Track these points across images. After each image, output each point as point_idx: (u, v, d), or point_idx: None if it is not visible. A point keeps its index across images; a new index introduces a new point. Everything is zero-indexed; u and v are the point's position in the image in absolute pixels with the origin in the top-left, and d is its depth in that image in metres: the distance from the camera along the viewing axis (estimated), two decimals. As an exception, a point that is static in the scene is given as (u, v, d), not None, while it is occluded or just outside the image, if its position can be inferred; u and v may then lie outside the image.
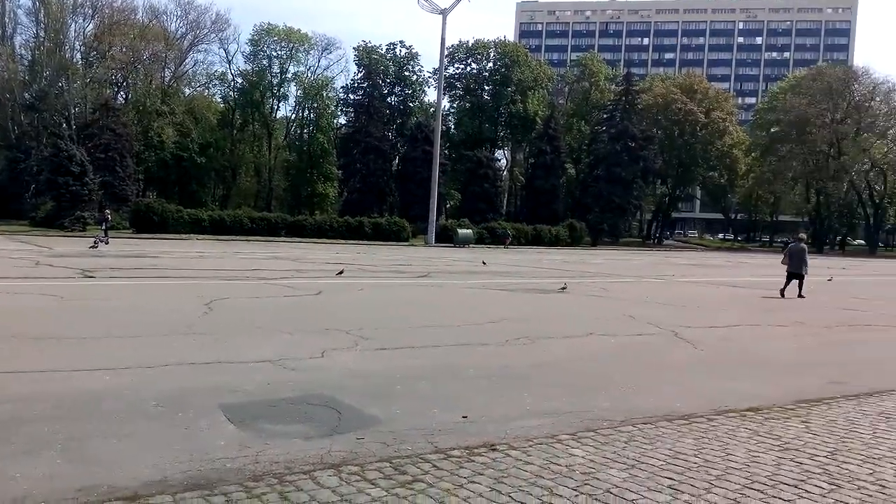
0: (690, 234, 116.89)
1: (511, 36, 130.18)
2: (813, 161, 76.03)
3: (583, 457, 4.92)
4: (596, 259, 41.33)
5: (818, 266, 38.76)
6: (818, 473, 4.73)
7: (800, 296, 19.10)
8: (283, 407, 6.07)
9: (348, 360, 8.23)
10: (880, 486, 4.52)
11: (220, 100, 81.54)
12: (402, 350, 9.04)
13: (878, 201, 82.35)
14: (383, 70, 78.60)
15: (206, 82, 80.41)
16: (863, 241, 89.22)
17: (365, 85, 75.04)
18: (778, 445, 5.35)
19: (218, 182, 79.14)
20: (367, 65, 76.65)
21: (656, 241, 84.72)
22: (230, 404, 6.03)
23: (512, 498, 4.13)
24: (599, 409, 6.34)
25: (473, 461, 4.75)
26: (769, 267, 38.31)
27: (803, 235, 23.31)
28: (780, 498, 4.26)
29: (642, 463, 4.82)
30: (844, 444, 5.45)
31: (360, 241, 52.84)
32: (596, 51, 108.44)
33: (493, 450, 5.02)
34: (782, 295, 19.20)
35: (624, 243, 73.16)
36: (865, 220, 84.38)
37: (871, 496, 4.32)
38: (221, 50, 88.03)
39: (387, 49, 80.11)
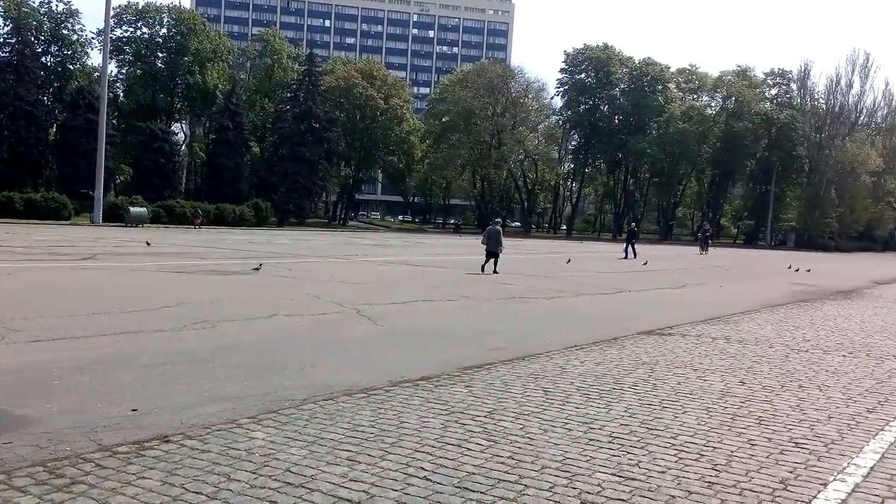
0: (373, 215, 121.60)
1: (187, 2, 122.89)
2: (478, 150, 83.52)
3: (263, 439, 4.87)
4: (282, 239, 41.10)
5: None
6: (478, 432, 5.22)
7: (494, 272, 21.06)
8: None
9: (-8, 355, 7.16)
10: (528, 438, 5.13)
11: None
12: (61, 341, 8.11)
13: (530, 188, 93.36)
14: (36, 26, 69.20)
15: None
16: (519, 224, 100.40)
17: (13, 41, 65.35)
18: (445, 410, 5.80)
19: None
20: (15, 18, 66.74)
21: (341, 222, 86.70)
22: None
23: (185, 489, 3.93)
24: (282, 390, 6.32)
25: (143, 456, 4.44)
26: (443, 247, 41.45)
27: (499, 220, 25.90)
28: (445, 458, 4.62)
29: (322, 439, 4.91)
30: (500, 403, 6.09)
31: (10, 221, 46.22)
32: (278, 28, 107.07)
33: (167, 441, 4.74)
34: (482, 271, 21.04)
35: (310, 224, 73.70)
36: (521, 205, 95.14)
37: (520, 448, 4.89)
38: None
39: (40, 3, 70.67)
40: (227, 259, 22.76)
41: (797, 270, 30.17)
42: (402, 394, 6.28)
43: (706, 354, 9.12)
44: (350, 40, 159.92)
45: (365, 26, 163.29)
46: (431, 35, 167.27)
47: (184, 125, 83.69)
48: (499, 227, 22.58)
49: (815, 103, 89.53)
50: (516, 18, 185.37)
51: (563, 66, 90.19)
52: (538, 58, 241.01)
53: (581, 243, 64.35)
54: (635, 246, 36.64)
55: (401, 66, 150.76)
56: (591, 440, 5.14)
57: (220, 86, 74.28)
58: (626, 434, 5.33)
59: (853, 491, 4.33)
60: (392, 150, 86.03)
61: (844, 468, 4.74)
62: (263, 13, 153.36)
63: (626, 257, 35.06)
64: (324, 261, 24.56)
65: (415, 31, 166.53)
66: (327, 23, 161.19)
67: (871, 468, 4.76)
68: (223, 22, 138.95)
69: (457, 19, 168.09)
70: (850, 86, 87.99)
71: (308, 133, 70.09)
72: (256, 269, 18.31)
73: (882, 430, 5.78)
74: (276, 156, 72.53)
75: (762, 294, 19.21)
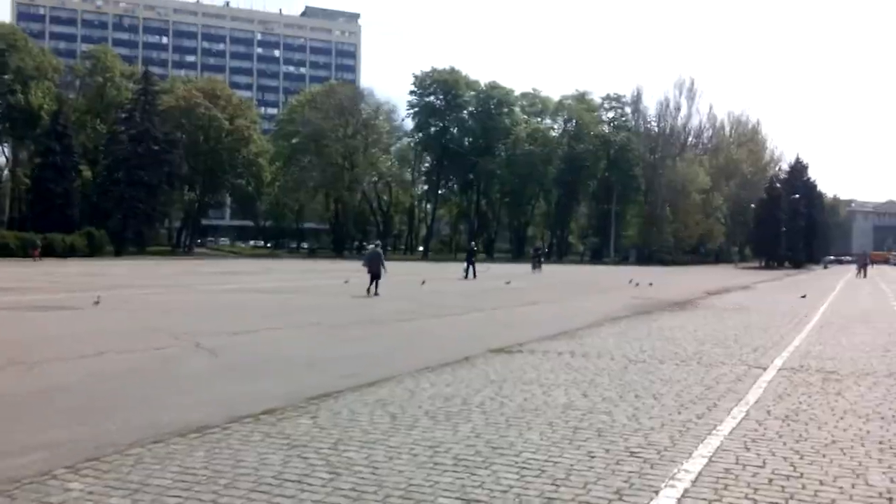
0: (222, 241, 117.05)
1: (7, 17, 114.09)
2: (330, 172, 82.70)
3: (80, 490, 4.43)
4: (120, 270, 38.66)
5: (348, 270, 42.33)
6: (321, 465, 5.01)
7: (376, 293, 21.66)
8: None
9: None
10: (373, 468, 4.97)
11: None
12: None
13: (385, 210, 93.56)
14: None
15: None
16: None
17: None
18: (287, 444, 5.54)
19: None
20: None
21: (187, 249, 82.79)
22: None
23: (-19, 558, 3.47)
24: (107, 434, 5.80)
25: (-67, 522, 3.90)
26: (297, 272, 40.52)
27: (379, 242, 26.59)
28: (283, 495, 4.39)
29: (148, 486, 4.53)
30: (346, 433, 5.90)
31: None
32: (110, 44, 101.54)
33: (-34, 501, 4.21)
34: (368, 293, 21.60)
35: (152, 252, 69.78)
36: (376, 227, 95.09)
37: (364, 479, 4.72)
38: None
39: None
40: (57, 293, 21.06)
41: (637, 285, 31.85)
42: (240, 430, 5.94)
43: (552, 370, 9.34)
44: (190, 58, 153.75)
45: (206, 44, 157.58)
46: (277, 55, 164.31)
47: (5, 149, 77.08)
48: (379, 250, 23.97)
49: (648, 126, 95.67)
50: (364, 40, 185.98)
51: (412, 88, 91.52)
52: (388, 80, 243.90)
53: (438, 264, 65.02)
54: (475, 265, 36.78)
55: (246, 86, 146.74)
56: (436, 464, 5.06)
57: (45, 106, 68.99)
58: (472, 455, 5.30)
59: (682, 496, 4.51)
60: (240, 172, 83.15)
61: (675, 474, 4.94)
62: (93, 29, 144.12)
63: (466, 277, 35.06)
64: (165, 291, 23.29)
65: (259, 50, 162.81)
66: (165, 40, 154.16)
67: (700, 473, 4.99)
68: (48, 38, 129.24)
69: (303, 39, 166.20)
70: (678, 109, 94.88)
71: (146, 155, 66.46)
72: (96, 303, 16.97)
73: (710, 434, 6.10)
74: (111, 180, 68.03)
75: (606, 308, 20.06)
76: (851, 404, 7.56)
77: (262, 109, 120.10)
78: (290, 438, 5.70)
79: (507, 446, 5.56)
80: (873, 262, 76.11)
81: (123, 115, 71.20)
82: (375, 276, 22.31)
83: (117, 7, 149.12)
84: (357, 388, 7.81)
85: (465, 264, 37.29)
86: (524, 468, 5.01)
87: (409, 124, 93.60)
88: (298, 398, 7.22)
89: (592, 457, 5.32)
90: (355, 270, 41.12)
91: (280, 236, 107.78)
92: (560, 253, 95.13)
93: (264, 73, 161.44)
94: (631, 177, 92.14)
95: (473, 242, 47.38)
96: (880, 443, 5.96)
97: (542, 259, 48.16)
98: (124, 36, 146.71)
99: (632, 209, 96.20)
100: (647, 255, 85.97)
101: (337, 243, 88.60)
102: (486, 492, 4.51)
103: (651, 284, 32.13)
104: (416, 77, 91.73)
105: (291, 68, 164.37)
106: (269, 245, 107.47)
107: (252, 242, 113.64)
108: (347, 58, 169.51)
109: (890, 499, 4.58)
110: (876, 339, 13.63)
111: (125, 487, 4.49)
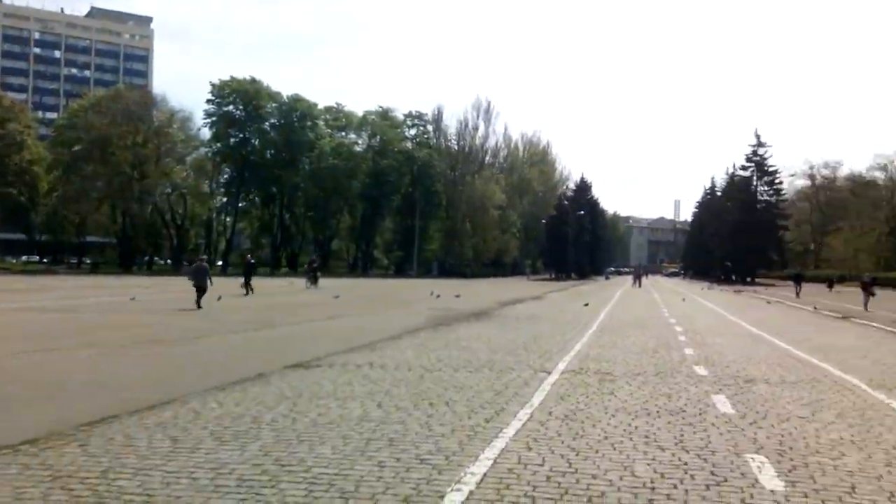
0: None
1: None
2: (118, 182, 77.06)
3: None
4: None
5: (136, 286, 39.61)
6: (87, 496, 4.58)
7: (199, 307, 22.23)
8: None
9: None
10: (147, 496, 4.61)
11: None
12: None
13: (180, 224, 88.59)
14: None
15: None
16: (170, 261, 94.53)
17: None
18: (49, 475, 5.00)
19: None
20: None
21: (-57, 264, 73.25)
22: None
23: None
24: None
25: None
26: (76, 289, 37.19)
27: (204, 257, 28.38)
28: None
29: None
30: (119, 460, 5.44)
31: None
32: None
33: None
34: (199, 307, 22.25)
35: None
36: (170, 241, 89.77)
37: (134, 508, 4.37)
38: None
39: None
40: None
41: (439, 297, 32.65)
42: (-7, 464, 5.29)
43: (349, 382, 9.28)
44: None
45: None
46: (58, 56, 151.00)
47: None
48: (205, 265, 25.01)
49: (449, 144, 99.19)
50: (157, 45, 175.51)
51: (209, 97, 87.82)
52: (185, 88, 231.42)
53: (238, 279, 62.54)
54: (251, 280, 34.47)
55: (21, 88, 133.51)
56: (217, 487, 4.80)
57: None
58: (258, 475, 5.09)
59: (467, 499, 4.62)
60: (10, 181, 75.05)
61: (462, 478, 5.05)
62: None
63: (246, 293, 32.03)
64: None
65: (37, 50, 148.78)
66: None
67: (485, 475, 5.15)
68: None
69: (88, 41, 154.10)
70: (476, 129, 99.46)
71: None
72: None
73: (496, 437, 6.34)
74: None
75: (407, 320, 20.31)
76: (623, 402, 8.21)
77: (40, 113, 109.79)
78: (53, 469, 5.15)
79: (296, 463, 5.41)
80: (649, 273, 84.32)
81: None
82: (201, 289, 23.08)
83: None
84: (136, 412, 7.26)
85: (243, 279, 34.01)
86: (313, 483, 4.89)
87: (207, 134, 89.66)
88: (68, 425, 6.58)
89: (383, 467, 5.32)
90: (145, 286, 38.73)
91: (59, 251, 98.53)
92: (365, 266, 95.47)
93: (42, 74, 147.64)
94: (433, 192, 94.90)
95: (250, 255, 45.28)
96: (646, 437, 6.50)
97: (318, 273, 47.25)
98: None
99: (434, 224, 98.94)
100: (449, 268, 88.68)
101: (124, 258, 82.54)
102: (271, 511, 4.34)
103: (458, 296, 33.09)
104: (213, 86, 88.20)
105: (74, 71, 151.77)
106: (45, 260, 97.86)
107: (25, 258, 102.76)
108: (138, 62, 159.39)
109: (653, 488, 4.98)
110: (647, 342, 14.99)
111: None
